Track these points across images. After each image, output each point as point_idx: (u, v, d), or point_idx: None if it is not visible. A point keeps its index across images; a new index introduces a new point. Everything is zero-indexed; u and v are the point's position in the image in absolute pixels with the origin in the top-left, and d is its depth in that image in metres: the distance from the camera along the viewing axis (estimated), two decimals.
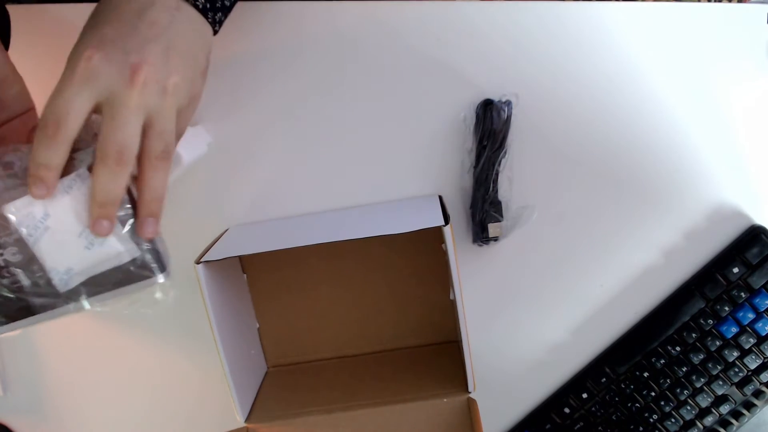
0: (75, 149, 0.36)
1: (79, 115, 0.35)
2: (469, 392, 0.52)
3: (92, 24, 0.38)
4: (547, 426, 0.59)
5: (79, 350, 0.61)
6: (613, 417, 0.59)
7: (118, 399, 0.63)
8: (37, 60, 0.56)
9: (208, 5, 0.41)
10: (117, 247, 0.37)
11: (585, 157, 0.55)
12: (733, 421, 0.58)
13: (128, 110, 0.36)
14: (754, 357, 0.56)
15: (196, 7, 0.40)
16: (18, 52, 0.56)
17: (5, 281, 0.36)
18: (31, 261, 0.36)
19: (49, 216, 0.36)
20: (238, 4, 0.53)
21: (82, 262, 0.37)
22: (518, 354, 0.60)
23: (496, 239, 0.55)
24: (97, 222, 0.36)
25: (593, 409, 0.59)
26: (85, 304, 0.38)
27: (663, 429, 0.59)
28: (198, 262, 0.47)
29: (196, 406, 0.62)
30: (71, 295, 0.37)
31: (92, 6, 0.40)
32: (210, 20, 0.41)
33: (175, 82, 0.38)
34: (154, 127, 0.37)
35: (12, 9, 0.55)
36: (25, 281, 0.36)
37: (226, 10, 0.43)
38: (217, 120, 0.56)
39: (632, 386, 0.58)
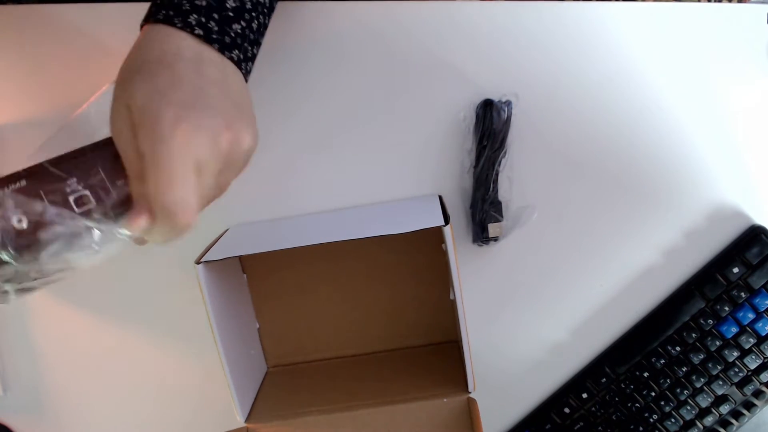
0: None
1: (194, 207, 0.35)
2: (469, 392, 0.52)
3: (146, 79, 0.36)
4: (547, 426, 0.59)
5: (79, 350, 0.61)
6: (613, 417, 0.59)
7: (118, 399, 0.63)
8: (38, 60, 0.56)
9: (242, 56, 0.40)
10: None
11: (585, 157, 0.55)
12: (733, 421, 0.58)
13: (211, 173, 0.37)
14: (754, 357, 0.56)
15: (232, 59, 0.39)
16: (18, 52, 0.56)
17: None
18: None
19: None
20: None
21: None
22: (518, 354, 0.60)
23: (496, 239, 0.55)
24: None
25: (593, 409, 0.59)
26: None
27: (663, 429, 0.59)
28: (198, 262, 0.47)
29: (196, 406, 0.62)
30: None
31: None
32: (243, 71, 0.41)
33: (249, 143, 0.38)
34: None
35: (12, 9, 0.55)
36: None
37: (254, 59, 0.43)
38: None
39: (632, 386, 0.58)
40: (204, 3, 0.38)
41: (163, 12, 0.38)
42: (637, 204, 0.56)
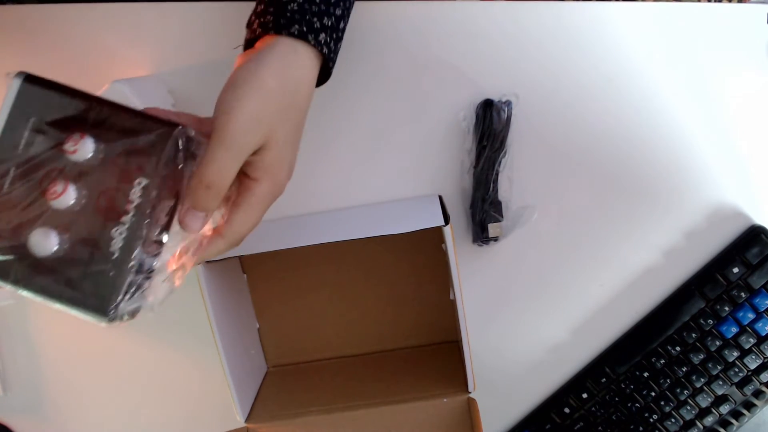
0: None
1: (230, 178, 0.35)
2: (469, 392, 0.52)
3: (289, 118, 0.38)
4: (547, 426, 0.59)
5: (79, 350, 0.61)
6: (613, 417, 0.59)
7: (118, 399, 0.63)
8: (38, 60, 0.56)
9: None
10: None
11: (585, 157, 0.55)
12: (733, 421, 0.58)
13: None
14: (754, 357, 0.56)
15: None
16: (18, 52, 0.56)
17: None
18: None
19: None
20: (239, 5, 0.54)
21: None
22: (518, 354, 0.60)
23: (496, 239, 0.55)
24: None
25: (593, 409, 0.59)
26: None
27: (663, 429, 0.59)
28: (198, 263, 0.47)
29: (196, 406, 0.62)
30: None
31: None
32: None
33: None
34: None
35: (12, 9, 0.55)
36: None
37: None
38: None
39: (632, 386, 0.58)
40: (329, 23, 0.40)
41: (297, 27, 0.39)
42: (637, 204, 0.56)
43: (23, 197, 0.33)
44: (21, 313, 0.61)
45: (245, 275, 0.60)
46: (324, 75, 0.42)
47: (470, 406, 0.52)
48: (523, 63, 0.54)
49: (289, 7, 0.39)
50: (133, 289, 0.33)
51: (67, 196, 0.33)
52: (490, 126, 0.53)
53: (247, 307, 0.60)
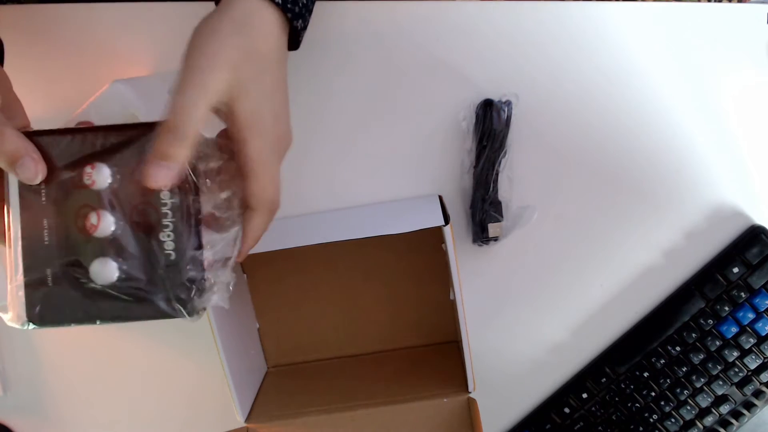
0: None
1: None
2: (469, 392, 0.52)
3: (257, 78, 0.37)
4: (547, 426, 0.59)
5: (79, 350, 0.61)
6: (613, 417, 0.59)
7: (118, 399, 0.63)
8: (38, 60, 0.56)
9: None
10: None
11: (585, 157, 0.55)
12: (733, 421, 0.58)
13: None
14: (754, 357, 0.56)
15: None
16: (18, 52, 0.56)
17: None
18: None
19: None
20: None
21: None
22: (518, 354, 0.60)
23: (496, 239, 0.55)
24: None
25: (593, 409, 0.59)
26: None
27: (663, 429, 0.59)
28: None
29: (196, 406, 0.62)
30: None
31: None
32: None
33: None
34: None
35: (12, 9, 0.55)
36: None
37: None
38: (217, 120, 0.56)
39: (632, 386, 0.58)
40: None
41: None
42: (637, 204, 0.56)
43: (63, 239, 0.34)
44: None
45: (245, 275, 0.60)
46: (294, 39, 0.42)
47: (470, 406, 0.52)
48: (523, 63, 0.54)
49: None
50: (197, 284, 0.35)
51: (106, 223, 0.34)
52: (490, 126, 0.53)
53: (247, 308, 0.60)
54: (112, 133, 0.35)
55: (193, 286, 0.35)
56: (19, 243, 0.34)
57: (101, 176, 0.34)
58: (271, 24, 0.39)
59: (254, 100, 0.36)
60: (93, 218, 0.34)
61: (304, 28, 0.43)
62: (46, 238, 0.34)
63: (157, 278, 0.35)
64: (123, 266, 0.34)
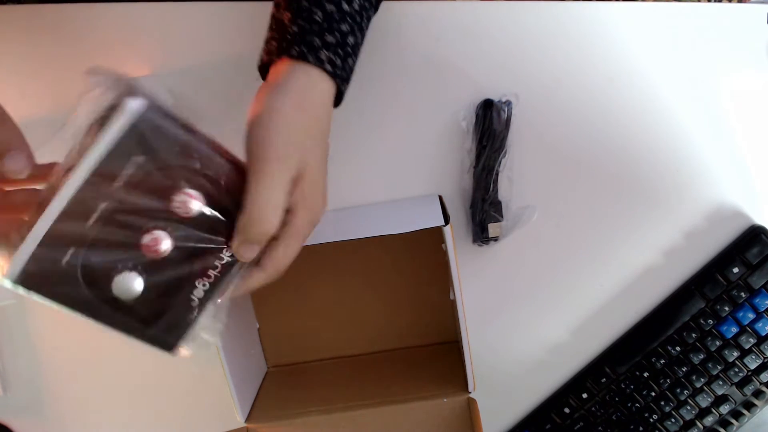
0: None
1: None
2: (469, 392, 0.52)
3: (319, 144, 0.39)
4: (547, 426, 0.59)
5: (79, 350, 0.61)
6: (613, 417, 0.59)
7: (118, 399, 0.63)
8: (38, 60, 0.56)
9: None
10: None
11: (585, 157, 0.55)
12: (733, 421, 0.58)
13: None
14: (754, 357, 0.56)
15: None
16: (18, 52, 0.56)
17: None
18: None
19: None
20: (239, 5, 0.54)
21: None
22: (518, 354, 0.60)
23: (496, 239, 0.55)
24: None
25: (593, 409, 0.59)
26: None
27: (663, 429, 0.59)
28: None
29: (196, 406, 0.62)
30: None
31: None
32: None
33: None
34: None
35: (12, 9, 0.55)
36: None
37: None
38: (217, 120, 0.56)
39: (632, 386, 0.58)
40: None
41: (296, 48, 0.39)
42: (637, 204, 0.56)
43: (109, 232, 0.33)
44: (21, 313, 0.61)
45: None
46: (338, 94, 0.42)
47: (470, 406, 0.52)
48: (523, 63, 0.54)
49: (289, 30, 0.39)
50: (192, 326, 0.36)
51: (163, 247, 0.34)
52: (490, 126, 0.53)
53: (247, 307, 0.60)
54: (212, 165, 0.34)
55: (189, 331, 0.36)
56: (65, 202, 0.31)
57: (192, 208, 0.34)
58: (325, 94, 0.39)
59: (315, 176, 0.38)
60: (155, 237, 0.34)
61: (345, 79, 0.43)
62: (92, 220, 0.32)
63: (171, 313, 0.35)
64: (147, 291, 0.34)
